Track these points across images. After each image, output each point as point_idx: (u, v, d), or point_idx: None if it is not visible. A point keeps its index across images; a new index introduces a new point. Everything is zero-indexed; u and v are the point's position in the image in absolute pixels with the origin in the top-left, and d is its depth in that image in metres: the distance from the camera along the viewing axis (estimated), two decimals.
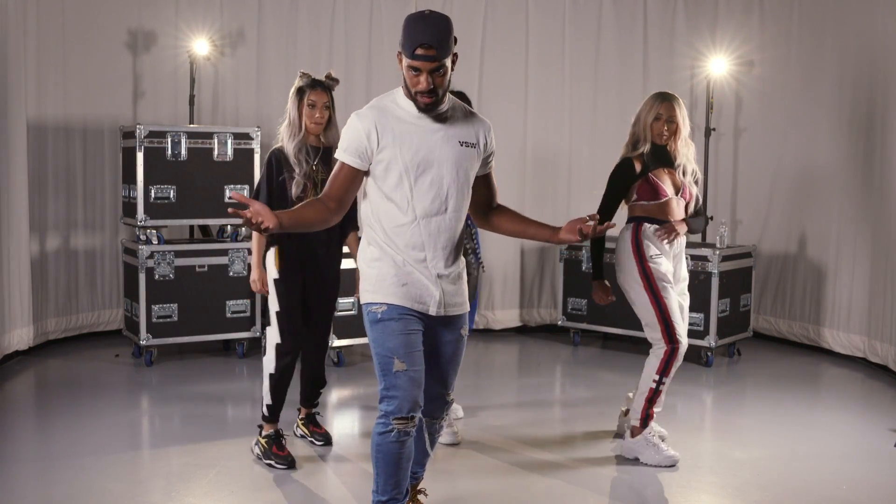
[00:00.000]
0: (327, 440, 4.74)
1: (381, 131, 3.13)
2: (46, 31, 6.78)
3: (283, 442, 4.46)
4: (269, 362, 4.45)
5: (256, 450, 4.50)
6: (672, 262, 4.59)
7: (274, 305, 4.43)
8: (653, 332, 4.52)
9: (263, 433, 4.49)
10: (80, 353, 6.77)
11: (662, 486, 4.25)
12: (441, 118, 3.20)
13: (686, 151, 4.61)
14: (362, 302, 3.25)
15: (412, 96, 3.14)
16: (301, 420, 4.84)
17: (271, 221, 3.01)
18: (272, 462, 4.39)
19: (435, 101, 3.13)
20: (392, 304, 3.17)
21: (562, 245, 7.26)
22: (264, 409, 4.49)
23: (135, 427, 5.22)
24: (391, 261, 3.18)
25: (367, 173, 3.21)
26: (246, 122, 7.26)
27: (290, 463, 4.38)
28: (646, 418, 4.56)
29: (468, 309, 3.38)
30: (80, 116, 7.05)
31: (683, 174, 4.61)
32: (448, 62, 3.10)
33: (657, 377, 4.51)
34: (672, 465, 4.44)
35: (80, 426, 4.98)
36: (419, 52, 3.03)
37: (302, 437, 4.82)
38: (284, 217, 3.07)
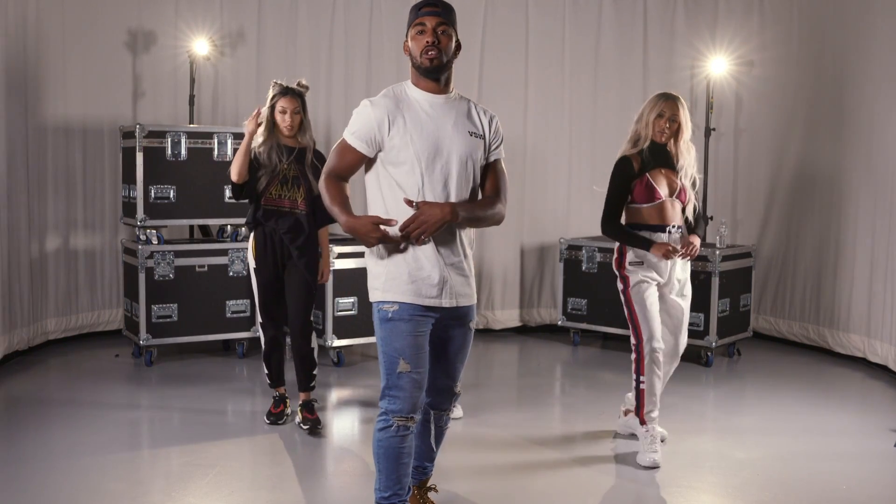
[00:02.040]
0: (313, 427, 4.91)
1: (392, 119, 3.19)
2: (46, 31, 6.78)
3: (282, 404, 5.07)
4: (260, 339, 5.04)
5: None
6: (667, 265, 4.60)
7: (255, 292, 5.01)
8: (631, 333, 4.65)
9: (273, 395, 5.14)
10: (80, 353, 6.77)
11: (662, 486, 4.25)
12: (451, 107, 3.27)
13: (687, 154, 4.62)
14: (371, 300, 3.27)
15: (419, 64, 3.21)
16: (300, 405, 5.04)
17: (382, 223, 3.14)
18: (265, 418, 5.06)
19: (439, 60, 3.19)
20: (403, 302, 3.19)
21: (562, 244, 7.28)
22: (266, 377, 5.12)
23: (134, 427, 5.22)
24: (400, 256, 3.20)
25: (372, 159, 3.25)
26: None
27: (275, 419, 5.01)
28: (640, 419, 4.60)
29: (475, 301, 3.40)
30: (80, 116, 7.04)
31: (684, 177, 4.61)
32: (453, 33, 3.23)
33: (635, 377, 4.60)
34: (650, 468, 4.44)
35: (80, 426, 4.99)
36: (425, 9, 3.20)
37: (299, 423, 5.00)
38: (351, 211, 3.20)
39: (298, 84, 4.90)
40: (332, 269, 6.10)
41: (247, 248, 6.51)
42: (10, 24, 6.24)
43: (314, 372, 5.03)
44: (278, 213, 4.83)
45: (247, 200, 4.97)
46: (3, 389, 5.77)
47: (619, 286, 4.65)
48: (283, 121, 4.81)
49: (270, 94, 4.85)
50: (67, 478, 4.19)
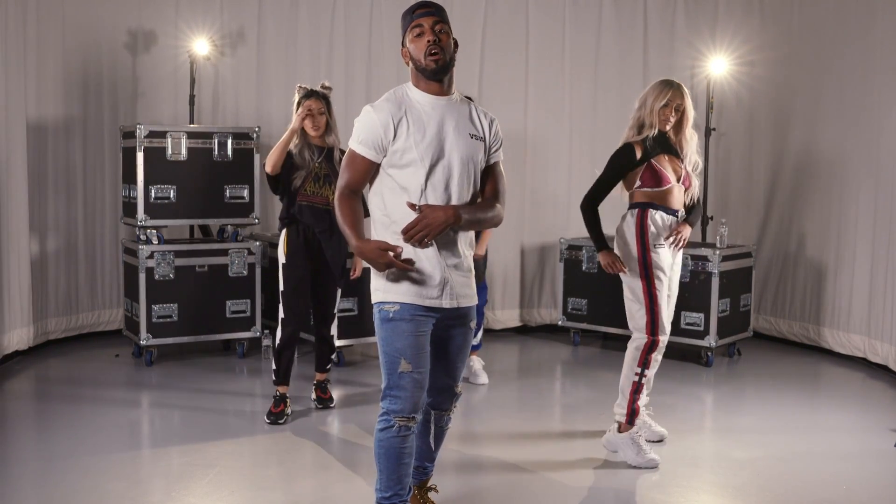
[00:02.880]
0: (326, 405, 5.40)
1: (397, 122, 3.19)
2: (46, 31, 6.77)
3: (282, 404, 5.12)
4: (277, 332, 5.16)
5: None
6: (672, 253, 4.60)
7: (280, 285, 5.13)
8: (637, 321, 4.54)
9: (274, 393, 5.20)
10: (80, 353, 6.77)
11: (662, 485, 4.25)
12: (452, 109, 3.28)
13: (691, 141, 4.61)
14: (373, 301, 3.29)
15: (424, 67, 3.20)
16: (315, 384, 5.45)
17: (389, 249, 3.14)
18: (265, 418, 5.08)
19: (443, 61, 3.20)
20: (404, 303, 3.20)
21: (562, 244, 7.29)
22: (272, 373, 5.19)
23: (135, 427, 5.23)
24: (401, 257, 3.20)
25: (380, 164, 3.25)
26: (246, 122, 7.26)
27: (275, 419, 5.04)
28: (632, 413, 4.55)
29: (476, 301, 3.41)
30: (80, 116, 7.04)
31: (687, 163, 4.61)
32: (450, 31, 3.24)
33: (639, 370, 4.53)
34: (652, 468, 4.44)
35: (80, 426, 4.99)
36: (419, 11, 3.22)
37: (314, 400, 5.42)
38: (362, 237, 3.20)
39: (322, 86, 5.13)
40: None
41: (246, 249, 6.56)
42: (10, 23, 6.23)
43: (332, 357, 5.43)
44: (313, 209, 5.04)
45: (278, 197, 5.21)
46: (3, 389, 5.77)
47: (637, 270, 4.46)
48: (310, 122, 5.03)
49: (296, 98, 5.05)
50: (67, 477, 4.19)
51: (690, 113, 4.58)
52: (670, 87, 4.53)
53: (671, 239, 4.53)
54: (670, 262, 4.57)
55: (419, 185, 3.18)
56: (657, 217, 4.51)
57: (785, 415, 5.46)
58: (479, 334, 6.14)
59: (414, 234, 3.11)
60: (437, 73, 3.21)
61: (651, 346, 4.51)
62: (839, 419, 5.38)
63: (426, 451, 3.61)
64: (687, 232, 4.58)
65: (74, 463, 4.38)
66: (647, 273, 4.48)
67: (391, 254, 3.11)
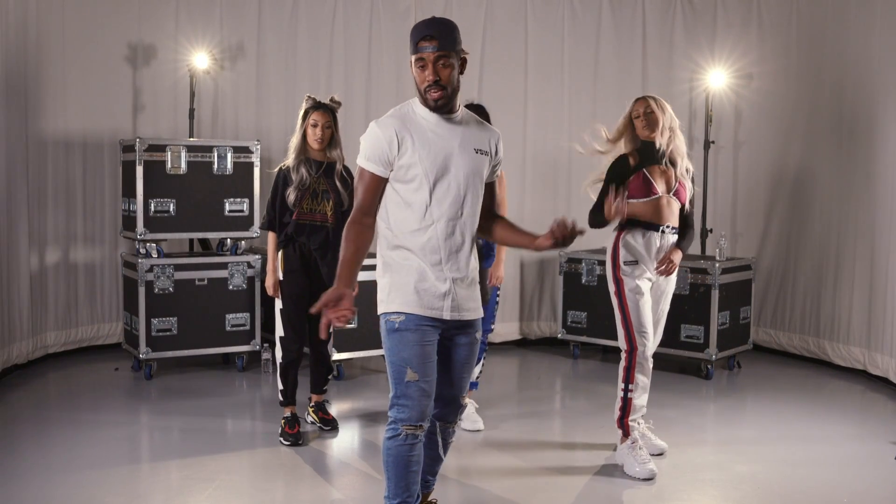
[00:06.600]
0: (334, 426, 5.18)
1: (401, 138, 3.22)
2: (46, 45, 6.79)
3: (296, 424, 4.99)
4: (277, 353, 5.09)
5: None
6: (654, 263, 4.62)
7: (278, 303, 5.04)
8: (620, 337, 4.64)
9: (283, 415, 5.06)
10: (79, 366, 6.76)
11: (663, 498, 4.24)
12: (457, 125, 3.31)
13: (670, 141, 4.64)
14: (378, 312, 3.32)
15: (425, 99, 3.25)
16: (311, 408, 5.26)
17: (349, 301, 3.06)
18: (281, 439, 4.93)
19: (445, 97, 3.23)
20: (409, 313, 3.23)
21: (562, 257, 7.28)
22: (279, 394, 5.09)
23: (134, 441, 5.21)
24: (405, 268, 3.25)
25: (388, 179, 3.28)
26: (245, 135, 7.27)
27: (295, 440, 4.89)
28: (623, 428, 4.63)
29: (482, 314, 3.44)
30: (80, 130, 7.06)
31: (673, 166, 4.64)
32: (454, 59, 3.23)
33: (623, 385, 4.62)
34: (648, 479, 4.44)
35: (80, 439, 4.98)
36: (422, 43, 3.20)
37: (312, 423, 5.22)
38: (349, 282, 3.13)
39: (331, 100, 5.02)
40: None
41: (246, 263, 6.56)
42: (10, 37, 6.26)
43: (328, 376, 5.26)
44: (310, 227, 4.93)
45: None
46: (2, 403, 5.76)
47: (612, 288, 4.65)
48: (314, 134, 4.91)
49: (303, 107, 4.97)
50: (66, 492, 4.18)
51: (662, 114, 4.64)
52: (636, 101, 4.73)
53: (662, 267, 4.59)
54: (648, 276, 4.61)
55: (424, 200, 3.23)
56: (629, 238, 4.59)
57: (785, 427, 5.45)
58: (478, 369, 5.33)
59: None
60: (437, 109, 3.25)
61: (630, 360, 4.57)
62: (839, 431, 5.38)
63: (429, 464, 3.62)
64: (678, 258, 4.64)
65: (73, 477, 4.37)
66: (620, 290, 4.61)
67: (337, 315, 3.03)
